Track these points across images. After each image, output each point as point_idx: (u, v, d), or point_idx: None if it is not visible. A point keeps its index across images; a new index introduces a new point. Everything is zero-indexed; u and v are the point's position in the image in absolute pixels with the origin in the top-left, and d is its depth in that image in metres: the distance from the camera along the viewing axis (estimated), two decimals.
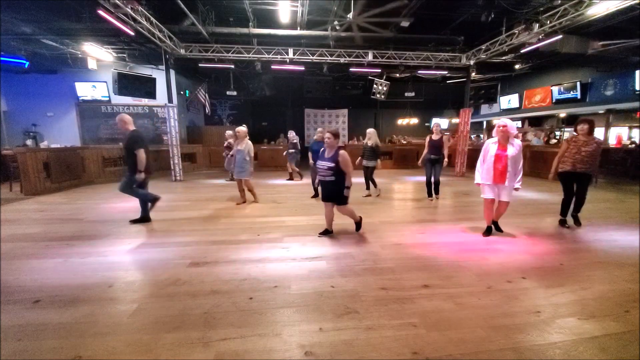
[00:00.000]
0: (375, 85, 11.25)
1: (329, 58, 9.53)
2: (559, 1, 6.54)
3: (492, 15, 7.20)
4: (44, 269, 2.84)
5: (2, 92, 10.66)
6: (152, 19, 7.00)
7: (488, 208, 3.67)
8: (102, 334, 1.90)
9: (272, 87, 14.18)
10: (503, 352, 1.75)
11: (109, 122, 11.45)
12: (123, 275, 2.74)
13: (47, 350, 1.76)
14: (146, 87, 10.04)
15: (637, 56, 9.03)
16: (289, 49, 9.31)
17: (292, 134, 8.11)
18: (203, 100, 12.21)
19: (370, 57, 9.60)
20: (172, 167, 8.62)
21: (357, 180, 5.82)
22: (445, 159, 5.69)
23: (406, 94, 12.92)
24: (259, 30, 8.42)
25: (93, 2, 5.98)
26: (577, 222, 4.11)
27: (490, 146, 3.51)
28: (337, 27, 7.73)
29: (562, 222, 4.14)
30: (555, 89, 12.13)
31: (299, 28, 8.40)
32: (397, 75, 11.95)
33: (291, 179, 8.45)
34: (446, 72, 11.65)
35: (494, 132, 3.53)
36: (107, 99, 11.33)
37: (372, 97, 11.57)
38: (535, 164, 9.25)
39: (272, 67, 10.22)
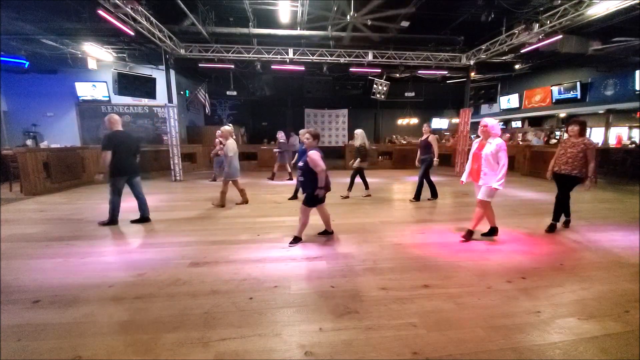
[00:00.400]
0: (375, 85, 11.25)
1: (329, 58, 9.53)
2: (559, 1, 6.54)
3: (492, 15, 7.20)
4: (44, 269, 2.84)
5: (2, 92, 10.65)
6: (152, 19, 7.00)
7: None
8: (102, 334, 1.90)
9: (272, 87, 14.18)
10: (503, 352, 1.75)
11: None
12: (123, 275, 2.74)
13: (46, 350, 1.76)
14: (146, 87, 10.04)
15: (637, 56, 9.03)
16: (289, 49, 9.31)
17: (280, 134, 8.18)
18: (203, 100, 12.21)
19: (370, 57, 9.60)
20: (172, 167, 8.62)
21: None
22: (435, 159, 5.54)
23: (406, 94, 12.93)
24: (259, 30, 8.42)
25: (93, 2, 5.98)
26: (567, 224, 4.10)
27: (473, 145, 3.54)
28: (345, 28, 7.73)
29: (551, 227, 3.95)
30: (555, 89, 12.13)
31: (299, 28, 8.40)
32: (397, 75, 11.95)
33: (272, 178, 8.51)
34: (446, 72, 11.65)
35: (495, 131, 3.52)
36: (107, 99, 11.33)
37: (372, 97, 11.57)
38: (535, 164, 9.25)
39: (272, 67, 10.22)
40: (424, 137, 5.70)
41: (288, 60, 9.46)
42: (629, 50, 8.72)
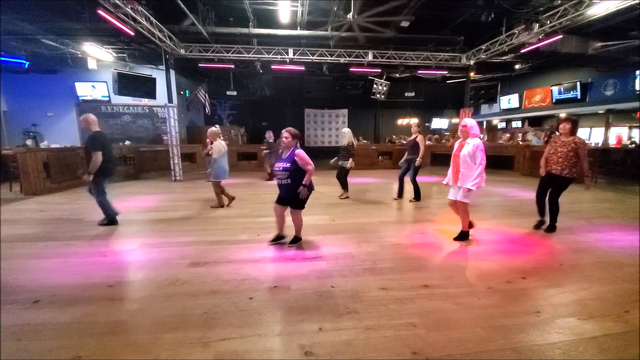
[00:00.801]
0: (375, 85, 11.25)
1: (329, 58, 9.54)
2: (559, 1, 6.54)
3: (492, 15, 7.21)
4: (44, 269, 2.84)
5: (2, 92, 10.66)
6: (152, 19, 7.01)
7: (452, 208, 3.61)
8: (102, 334, 1.90)
9: (272, 87, 14.19)
10: (503, 352, 1.75)
11: (109, 122, 11.47)
12: (123, 275, 2.74)
13: (46, 350, 1.76)
14: (146, 87, 10.05)
15: (637, 56, 9.03)
16: (289, 49, 9.32)
17: (269, 134, 8.20)
18: (203, 100, 12.21)
19: (370, 57, 9.61)
20: (172, 167, 8.62)
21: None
22: (418, 159, 5.39)
23: (406, 94, 12.94)
24: (259, 30, 8.43)
25: (93, 2, 5.99)
26: (550, 229, 3.89)
27: (454, 146, 3.47)
28: (338, 28, 7.73)
29: (539, 224, 3.95)
30: (555, 89, 12.13)
31: (299, 28, 8.40)
32: (397, 75, 11.96)
33: (270, 179, 8.51)
34: (446, 72, 11.66)
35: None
36: (107, 99, 11.34)
37: (372, 97, 11.58)
38: (535, 164, 9.13)
39: (272, 67, 10.23)
40: (412, 136, 5.60)
41: (288, 60, 9.47)
42: (629, 50, 8.73)
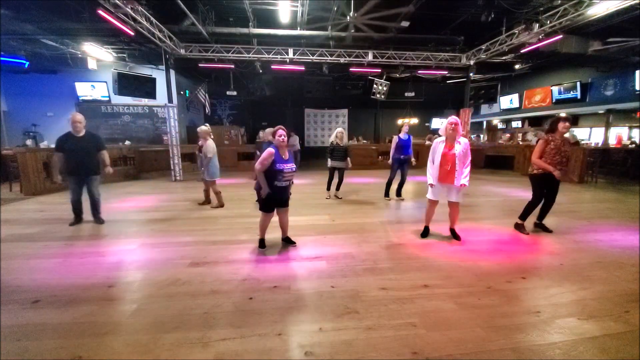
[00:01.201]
0: (375, 85, 11.25)
1: (329, 58, 9.53)
2: (559, 1, 6.55)
3: (492, 15, 7.20)
4: (44, 269, 2.84)
5: (2, 92, 10.66)
6: (152, 19, 7.01)
7: (431, 209, 3.67)
8: (102, 334, 1.90)
9: (272, 87, 14.19)
10: (503, 352, 1.75)
11: (109, 122, 11.47)
12: (123, 275, 2.74)
13: (46, 350, 1.76)
14: (146, 87, 10.06)
15: (637, 56, 9.03)
16: (289, 49, 9.31)
17: (261, 134, 8.17)
18: (203, 100, 12.21)
19: (370, 57, 9.61)
20: (172, 167, 8.62)
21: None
22: (413, 160, 5.62)
23: (406, 94, 12.94)
24: (259, 30, 8.43)
25: (93, 2, 5.99)
26: (546, 228, 3.96)
27: (438, 145, 3.40)
28: (345, 28, 7.71)
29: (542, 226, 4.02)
30: (555, 89, 12.13)
31: (299, 28, 8.40)
32: (397, 75, 11.96)
33: None
34: (446, 72, 11.66)
35: (441, 131, 3.47)
36: (107, 99, 11.34)
37: (372, 97, 11.58)
38: None
39: (272, 67, 10.22)
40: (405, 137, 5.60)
41: (288, 60, 9.47)
42: (629, 50, 8.73)
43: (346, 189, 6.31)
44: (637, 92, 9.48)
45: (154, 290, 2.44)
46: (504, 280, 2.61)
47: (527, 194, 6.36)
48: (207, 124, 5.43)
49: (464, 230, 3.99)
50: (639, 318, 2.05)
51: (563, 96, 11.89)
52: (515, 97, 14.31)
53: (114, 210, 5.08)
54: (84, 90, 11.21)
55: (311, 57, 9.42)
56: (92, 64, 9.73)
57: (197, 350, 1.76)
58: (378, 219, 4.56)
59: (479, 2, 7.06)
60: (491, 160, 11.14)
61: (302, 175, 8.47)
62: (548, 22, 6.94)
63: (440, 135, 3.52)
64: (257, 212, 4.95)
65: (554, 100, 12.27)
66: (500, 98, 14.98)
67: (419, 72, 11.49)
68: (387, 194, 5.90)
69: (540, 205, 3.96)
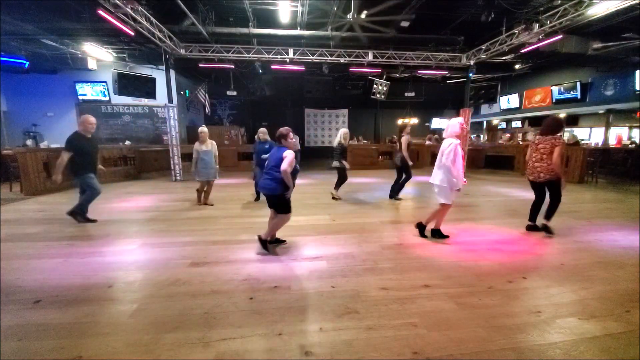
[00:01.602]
0: (375, 85, 11.25)
1: (329, 58, 9.53)
2: (559, 1, 6.54)
3: (492, 15, 7.20)
4: (44, 269, 2.84)
5: (2, 92, 10.66)
6: (152, 19, 7.00)
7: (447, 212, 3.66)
8: (103, 334, 1.90)
9: (272, 87, 14.18)
10: (503, 352, 1.75)
11: (109, 122, 11.48)
12: (123, 275, 2.73)
13: (47, 350, 1.76)
14: (146, 87, 10.05)
15: (637, 56, 9.03)
16: (289, 49, 9.31)
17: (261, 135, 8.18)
18: (203, 100, 12.21)
19: (370, 57, 9.60)
20: (172, 167, 8.62)
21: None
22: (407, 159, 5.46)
23: (406, 94, 12.93)
24: (259, 30, 8.42)
25: (93, 2, 5.99)
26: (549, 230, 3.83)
27: (458, 148, 3.27)
28: (339, 28, 7.71)
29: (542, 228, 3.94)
30: (555, 89, 12.13)
31: (299, 28, 8.40)
32: (397, 75, 11.96)
33: None
34: (446, 72, 11.65)
35: (455, 132, 3.34)
36: (107, 99, 11.34)
37: (372, 97, 11.57)
38: None
39: (272, 67, 10.22)
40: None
41: (288, 60, 9.46)
42: (629, 50, 8.73)
43: (346, 188, 6.30)
44: (637, 92, 9.48)
45: (155, 290, 2.44)
46: (505, 280, 2.61)
47: (527, 194, 6.37)
48: (204, 126, 5.49)
49: (464, 230, 4.00)
50: None
51: (563, 96, 11.89)
52: (515, 97, 14.31)
53: (115, 210, 5.08)
54: (84, 90, 11.18)
55: (311, 57, 9.42)
56: (92, 64, 9.73)
57: (198, 350, 1.76)
58: (378, 219, 4.57)
59: (479, 2, 7.05)
60: (491, 160, 11.15)
61: (302, 175, 8.47)
62: (548, 22, 6.93)
63: (444, 138, 3.46)
64: (257, 212, 4.98)
65: (554, 100, 12.27)
66: (500, 98, 14.98)
67: (419, 72, 11.48)
68: (397, 195, 5.87)
69: (546, 205, 3.89)
